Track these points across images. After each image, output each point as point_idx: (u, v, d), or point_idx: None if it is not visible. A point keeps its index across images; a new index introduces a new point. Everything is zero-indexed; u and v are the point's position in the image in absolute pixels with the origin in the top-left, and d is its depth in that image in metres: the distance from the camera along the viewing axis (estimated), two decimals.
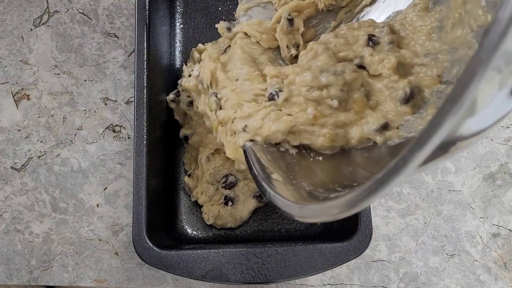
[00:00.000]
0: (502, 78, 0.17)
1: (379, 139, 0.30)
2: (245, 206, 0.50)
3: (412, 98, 0.29)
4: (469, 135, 0.19)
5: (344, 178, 0.30)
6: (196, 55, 0.53)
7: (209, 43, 0.53)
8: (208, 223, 0.50)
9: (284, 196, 0.29)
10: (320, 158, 0.33)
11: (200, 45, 0.53)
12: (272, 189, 0.30)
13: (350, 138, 0.32)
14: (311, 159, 0.33)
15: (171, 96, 0.51)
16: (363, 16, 0.40)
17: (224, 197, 0.50)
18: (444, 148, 0.19)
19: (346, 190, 0.25)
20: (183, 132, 0.52)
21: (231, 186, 0.50)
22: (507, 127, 0.55)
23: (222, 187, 0.50)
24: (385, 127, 0.30)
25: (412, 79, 0.30)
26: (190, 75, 0.49)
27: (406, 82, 0.30)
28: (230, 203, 0.50)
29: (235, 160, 0.44)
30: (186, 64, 0.53)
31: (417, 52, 0.32)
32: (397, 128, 0.30)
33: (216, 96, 0.41)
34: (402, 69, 0.32)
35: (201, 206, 0.51)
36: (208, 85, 0.45)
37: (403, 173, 0.19)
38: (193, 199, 0.51)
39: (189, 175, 0.52)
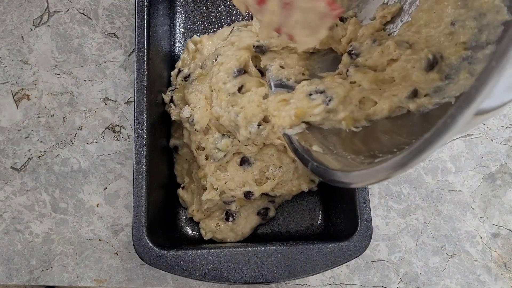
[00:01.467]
0: None
1: (412, 106, 0.31)
2: (247, 222, 0.49)
3: (437, 64, 0.31)
4: None
5: (383, 145, 0.31)
6: (191, 46, 0.52)
7: (205, 35, 0.53)
8: (205, 238, 0.49)
9: (327, 166, 0.30)
10: (355, 128, 0.34)
11: (195, 37, 0.53)
12: (314, 160, 0.32)
13: (379, 111, 0.33)
14: (347, 130, 0.35)
15: (169, 94, 0.51)
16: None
17: (225, 212, 0.48)
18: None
19: (389, 155, 0.26)
20: (173, 142, 0.51)
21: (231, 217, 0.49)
22: (507, 127, 0.55)
23: (224, 219, 0.49)
24: (415, 94, 0.31)
25: (431, 49, 0.32)
26: (171, 101, 0.50)
27: (427, 50, 0.31)
28: (231, 218, 0.48)
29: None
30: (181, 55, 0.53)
31: (431, 28, 0.33)
32: (426, 95, 0.31)
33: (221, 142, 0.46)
34: (417, 45, 0.33)
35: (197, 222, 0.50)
36: (202, 128, 0.47)
37: (461, 118, 0.19)
38: (188, 216, 0.50)
39: (182, 188, 0.50)
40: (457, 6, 0.31)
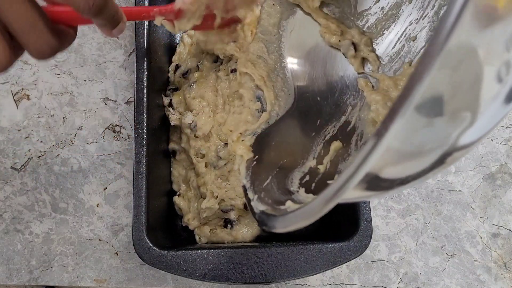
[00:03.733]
0: (500, 88, 0.18)
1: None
2: (249, 229, 0.48)
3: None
4: (465, 145, 0.19)
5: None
6: (186, 39, 0.52)
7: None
8: (199, 243, 0.48)
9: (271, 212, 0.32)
10: None
11: (191, 31, 0.53)
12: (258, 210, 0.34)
13: None
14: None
15: (168, 95, 0.50)
16: None
17: (223, 220, 0.48)
18: (441, 160, 0.19)
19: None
20: (171, 145, 0.50)
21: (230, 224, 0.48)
22: (507, 127, 0.55)
23: (222, 225, 0.48)
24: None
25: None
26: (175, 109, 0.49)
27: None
28: (229, 226, 0.47)
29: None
30: (177, 49, 0.53)
31: None
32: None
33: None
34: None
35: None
36: (204, 135, 0.47)
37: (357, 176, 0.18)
38: (183, 224, 0.49)
39: (178, 195, 0.49)
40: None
